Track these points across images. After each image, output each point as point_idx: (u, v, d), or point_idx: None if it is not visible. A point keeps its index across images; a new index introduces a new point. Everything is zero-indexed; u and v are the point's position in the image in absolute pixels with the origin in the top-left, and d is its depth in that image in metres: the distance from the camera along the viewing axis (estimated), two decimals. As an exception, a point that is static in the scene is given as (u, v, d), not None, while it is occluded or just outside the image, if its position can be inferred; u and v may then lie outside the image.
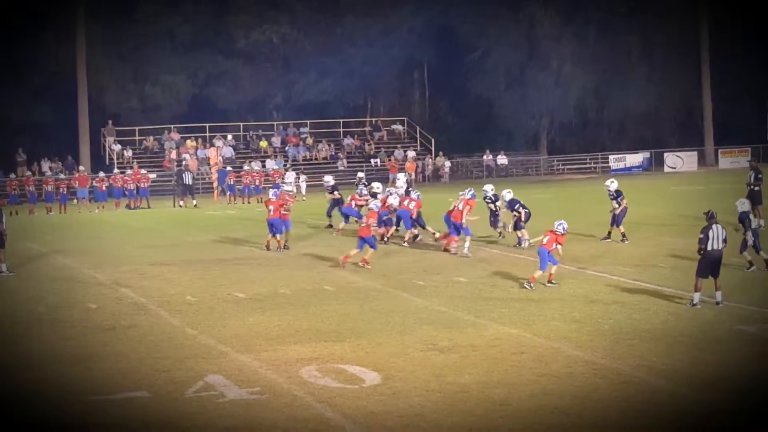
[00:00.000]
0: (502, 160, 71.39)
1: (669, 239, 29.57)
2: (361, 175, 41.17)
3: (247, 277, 25.46)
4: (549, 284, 22.60)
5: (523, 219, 28.95)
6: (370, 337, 17.81)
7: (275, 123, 72.20)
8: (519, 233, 29.11)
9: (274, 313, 20.38)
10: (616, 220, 29.55)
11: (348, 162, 68.84)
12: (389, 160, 67.81)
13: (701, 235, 19.66)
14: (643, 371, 15.11)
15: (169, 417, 13.28)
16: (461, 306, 20.66)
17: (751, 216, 24.78)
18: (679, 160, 71.21)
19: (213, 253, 30.61)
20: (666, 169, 70.96)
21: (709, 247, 19.55)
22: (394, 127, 74.25)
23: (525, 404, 13.46)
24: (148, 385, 14.86)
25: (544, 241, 22.96)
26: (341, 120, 72.95)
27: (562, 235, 23.07)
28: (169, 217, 47.11)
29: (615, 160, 71.90)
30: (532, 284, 22.44)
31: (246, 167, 59.04)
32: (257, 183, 56.06)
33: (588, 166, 73.14)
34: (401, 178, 35.34)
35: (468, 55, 75.83)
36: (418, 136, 72.42)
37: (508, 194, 29.57)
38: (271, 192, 31.85)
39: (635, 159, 71.85)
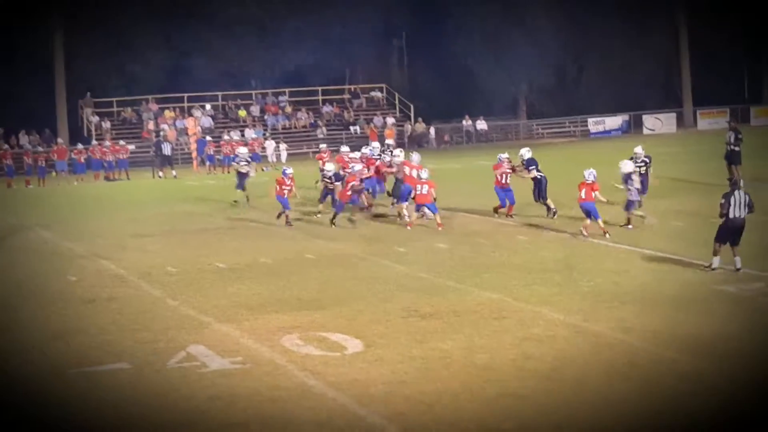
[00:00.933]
0: (482, 125, 71.36)
1: (647, 201, 29.56)
2: (389, 142, 40.78)
3: (228, 247, 25.42)
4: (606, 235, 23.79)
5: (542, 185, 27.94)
6: (351, 305, 17.81)
7: (254, 92, 71.93)
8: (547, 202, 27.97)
9: (255, 282, 20.36)
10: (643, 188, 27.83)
11: (327, 130, 68.69)
12: (368, 127, 67.68)
13: (722, 201, 19.25)
14: (624, 333, 15.17)
15: (151, 388, 13.27)
16: (443, 272, 20.67)
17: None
18: (658, 122, 71.31)
19: (193, 223, 30.54)
20: (645, 131, 71.04)
21: (730, 214, 19.06)
22: (373, 94, 74.09)
23: (507, 368, 13.50)
24: (130, 357, 14.84)
25: (582, 195, 23.88)
26: (320, 88, 72.71)
27: (594, 182, 24.22)
28: (149, 188, 46.96)
29: (594, 124, 71.94)
30: (586, 233, 23.99)
31: (225, 137, 58.84)
32: (236, 153, 55.83)
33: (567, 129, 73.19)
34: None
35: (446, 21, 75.59)
36: (397, 102, 72.30)
37: (527, 153, 28.57)
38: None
39: (614, 122, 71.90)
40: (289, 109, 70.32)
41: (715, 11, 73.90)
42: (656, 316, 16.13)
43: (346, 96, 73.83)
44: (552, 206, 27.48)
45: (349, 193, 27.81)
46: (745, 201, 19.11)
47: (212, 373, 13.88)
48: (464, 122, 71.47)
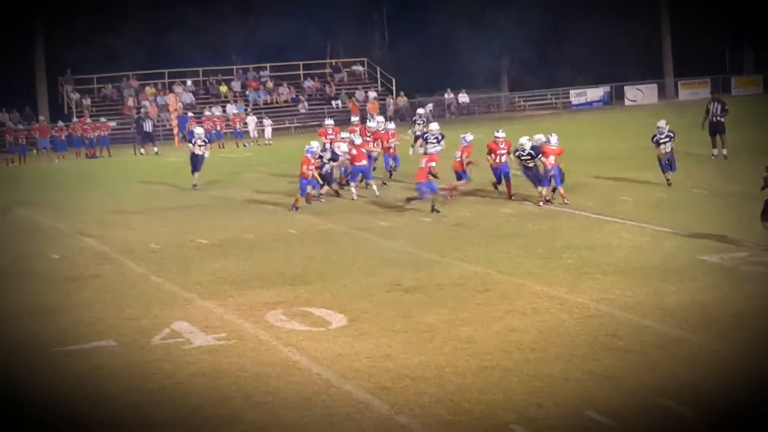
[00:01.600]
0: (464, 98, 71.30)
1: (630, 173, 29.69)
2: (420, 111, 40.12)
3: (211, 223, 25.39)
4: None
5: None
6: (335, 280, 17.82)
7: (235, 67, 71.66)
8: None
9: (239, 258, 20.35)
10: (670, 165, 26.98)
11: (309, 104, 68.55)
12: (350, 101, 67.56)
13: (765, 174, 18.72)
14: (607, 304, 15.22)
15: (135, 365, 13.26)
16: (426, 246, 20.69)
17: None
18: (640, 93, 71.39)
19: (175, 200, 30.49)
20: (626, 102, 71.13)
21: None
22: (354, 68, 73.91)
23: (491, 341, 13.53)
24: (114, 334, 14.82)
25: (551, 160, 24.34)
26: (301, 63, 72.46)
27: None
28: (130, 165, 46.83)
29: (576, 95, 71.98)
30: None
31: (207, 113, 58.63)
32: (218, 128, 55.72)
33: (549, 101, 73.21)
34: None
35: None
36: (378, 76, 72.14)
37: (528, 142, 25.75)
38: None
39: (596, 93, 71.94)
40: (270, 84, 70.10)
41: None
42: (639, 287, 16.17)
43: (328, 70, 73.64)
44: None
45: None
46: None
47: (196, 349, 13.88)
48: (446, 95, 71.38)
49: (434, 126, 30.70)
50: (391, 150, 31.42)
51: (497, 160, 26.76)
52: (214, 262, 20.08)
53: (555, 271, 17.65)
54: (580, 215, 23.57)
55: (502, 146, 26.78)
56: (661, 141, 26.66)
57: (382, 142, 31.11)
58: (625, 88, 72.10)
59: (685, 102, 67.75)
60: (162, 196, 31.79)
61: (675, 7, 73.61)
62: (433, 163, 25.62)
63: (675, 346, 13.03)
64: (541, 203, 24.92)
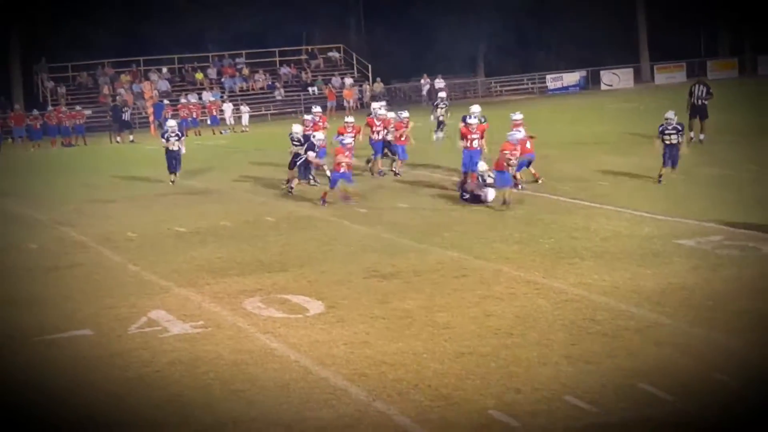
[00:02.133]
0: (440, 83, 71.25)
1: (607, 157, 29.79)
2: (442, 95, 39.40)
3: (188, 211, 25.34)
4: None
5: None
6: (313, 267, 17.83)
7: (210, 54, 71.40)
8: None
9: (216, 246, 20.33)
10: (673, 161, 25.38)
11: (285, 91, 68.42)
12: (326, 87, 67.47)
13: None
14: (584, 289, 15.28)
15: (113, 354, 13.24)
16: (403, 232, 20.71)
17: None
18: (616, 78, 71.53)
19: (152, 188, 30.39)
20: (602, 87, 71.26)
21: None
22: (330, 54, 73.79)
23: (468, 327, 13.57)
24: (92, 324, 14.79)
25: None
26: (277, 49, 72.28)
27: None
28: (106, 153, 46.66)
29: (552, 80, 72.06)
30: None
31: (183, 100, 58.40)
32: (194, 116, 55.54)
33: (526, 86, 73.27)
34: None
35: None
36: (354, 63, 72.05)
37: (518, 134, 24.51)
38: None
39: (572, 78, 72.04)
40: (246, 71, 69.90)
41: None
42: (616, 271, 16.25)
43: (304, 57, 73.48)
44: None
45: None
46: None
47: (173, 337, 13.88)
48: (422, 81, 71.31)
49: (476, 108, 27.85)
50: (403, 139, 29.99)
51: (469, 145, 26.16)
52: (192, 250, 20.05)
53: (532, 256, 17.70)
54: (557, 200, 23.63)
55: (474, 131, 26.41)
56: (667, 132, 25.18)
57: (394, 131, 29.86)
58: (601, 72, 72.23)
59: (661, 86, 67.91)
60: (138, 184, 31.68)
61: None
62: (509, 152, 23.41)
63: (652, 329, 13.10)
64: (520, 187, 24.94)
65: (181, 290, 16.63)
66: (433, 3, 74.22)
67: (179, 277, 17.63)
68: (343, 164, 24.72)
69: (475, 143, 26.14)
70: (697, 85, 33.15)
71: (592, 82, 71.87)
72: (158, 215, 24.88)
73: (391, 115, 30.77)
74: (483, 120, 27.07)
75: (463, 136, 26.32)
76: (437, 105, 37.15)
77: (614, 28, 76.92)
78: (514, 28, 75.18)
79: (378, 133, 29.62)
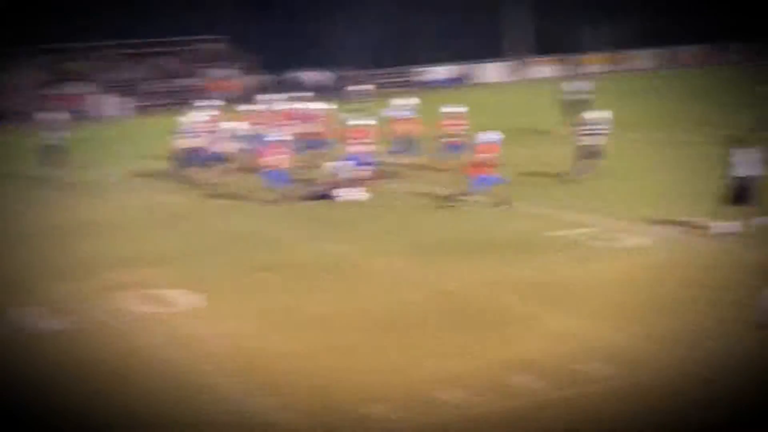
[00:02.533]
0: (319, 77, 71.03)
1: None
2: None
3: (63, 204, 24.93)
4: None
5: None
6: (190, 261, 17.76)
7: (89, 45, 70.01)
8: None
9: (93, 240, 20.08)
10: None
11: (163, 83, 67.63)
12: (207, 79, 66.93)
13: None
14: (462, 282, 15.58)
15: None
16: (282, 225, 20.76)
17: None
18: (493, 72, 72.16)
19: (27, 183, 29.76)
20: (479, 80, 71.95)
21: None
22: (210, 45, 73.14)
23: (345, 320, 13.71)
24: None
25: None
26: (156, 40, 71.25)
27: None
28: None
29: (429, 73, 72.45)
30: None
31: (59, 92, 57.21)
32: (74, 107, 54.39)
33: (404, 79, 73.48)
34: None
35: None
36: (235, 54, 71.48)
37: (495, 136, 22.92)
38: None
39: (450, 71, 72.54)
40: (125, 63, 68.84)
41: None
42: (490, 263, 16.55)
43: (183, 48, 72.64)
44: None
45: None
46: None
47: (43, 335, 13.70)
48: (300, 74, 70.93)
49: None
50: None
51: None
52: (66, 244, 19.77)
53: (411, 250, 17.90)
54: (434, 195, 23.77)
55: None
56: (588, 132, 24.87)
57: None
58: (480, 66, 72.85)
59: (539, 80, 68.80)
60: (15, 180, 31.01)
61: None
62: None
63: (528, 321, 13.39)
64: None
65: (53, 285, 16.40)
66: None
67: (52, 272, 17.37)
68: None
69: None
70: (576, 81, 33.34)
71: (470, 76, 72.41)
72: (31, 209, 24.41)
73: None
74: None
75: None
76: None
77: (492, 22, 77.63)
78: (394, 19, 75.32)
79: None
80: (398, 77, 73.19)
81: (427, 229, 19.88)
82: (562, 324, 13.21)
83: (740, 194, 18.05)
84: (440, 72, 72.40)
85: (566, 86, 33.21)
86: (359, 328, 13.37)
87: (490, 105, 35.67)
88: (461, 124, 26.53)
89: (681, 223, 18.79)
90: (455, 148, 25.80)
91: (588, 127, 25.06)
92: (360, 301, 14.66)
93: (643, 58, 73.48)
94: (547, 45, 73.80)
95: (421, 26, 77.64)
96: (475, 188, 21.78)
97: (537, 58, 73.62)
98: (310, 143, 27.60)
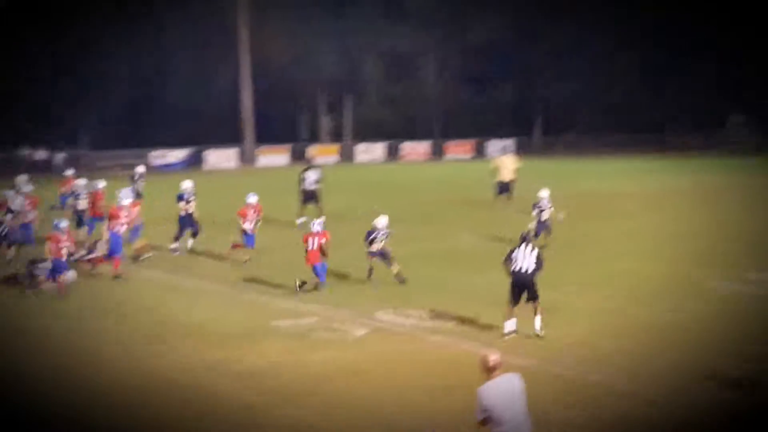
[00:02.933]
0: (43, 155, 69.09)
1: (210, 235, 29.73)
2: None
3: None
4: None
5: None
6: None
7: None
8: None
9: None
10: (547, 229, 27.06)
11: None
12: None
13: (507, 256, 18.09)
14: (181, 370, 15.50)
15: None
16: None
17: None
18: (221, 157, 72.31)
19: None
20: (207, 166, 71.92)
21: (516, 268, 17.73)
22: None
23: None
24: None
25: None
26: None
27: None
28: None
29: (158, 156, 71.90)
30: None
31: None
32: None
33: (132, 161, 72.57)
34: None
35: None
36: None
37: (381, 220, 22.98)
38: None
39: (178, 155, 72.17)
40: None
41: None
42: (215, 351, 16.47)
43: None
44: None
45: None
46: (532, 255, 17.84)
47: None
48: (25, 152, 68.80)
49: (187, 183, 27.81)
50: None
51: (117, 230, 24.21)
52: None
53: (131, 335, 17.61)
54: (157, 279, 23.50)
55: (125, 214, 24.83)
56: (541, 208, 27.15)
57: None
58: (207, 151, 72.86)
59: (265, 167, 69.37)
60: None
61: (254, 72, 75.03)
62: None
63: (246, 411, 13.36)
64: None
65: None
66: (40, 69, 71.90)
67: None
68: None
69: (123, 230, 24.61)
70: (308, 171, 33.51)
71: (198, 161, 72.27)
72: None
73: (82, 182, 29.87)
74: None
75: (112, 217, 24.29)
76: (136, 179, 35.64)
77: (221, 109, 78.03)
78: (125, 103, 74.57)
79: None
80: (127, 159, 72.17)
81: (140, 309, 19.63)
82: (279, 414, 13.23)
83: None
84: (174, 155, 71.95)
85: (302, 177, 33.09)
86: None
87: (213, 189, 35.62)
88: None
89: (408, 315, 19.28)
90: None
91: (545, 204, 27.29)
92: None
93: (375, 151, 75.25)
94: (278, 134, 74.70)
95: (156, 109, 77.21)
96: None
97: (268, 146, 74.21)
98: None
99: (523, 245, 17.84)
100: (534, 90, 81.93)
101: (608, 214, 34.48)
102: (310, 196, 32.60)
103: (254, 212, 25.92)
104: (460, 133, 77.99)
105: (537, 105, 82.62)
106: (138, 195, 32.59)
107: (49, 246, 21.89)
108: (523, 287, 17.58)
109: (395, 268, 22.20)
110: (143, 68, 74.09)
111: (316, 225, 22.12)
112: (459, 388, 14.19)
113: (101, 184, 29.58)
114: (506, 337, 17.34)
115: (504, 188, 35.84)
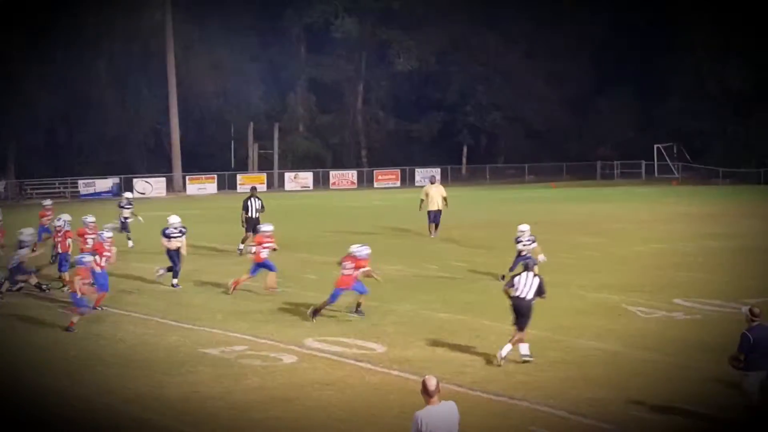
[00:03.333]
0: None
1: (136, 263, 29.61)
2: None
3: None
4: None
5: None
6: None
7: None
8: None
9: None
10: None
11: None
12: None
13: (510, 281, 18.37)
14: (107, 396, 15.32)
15: None
16: None
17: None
18: (149, 186, 71.92)
19: None
20: (135, 194, 71.34)
21: (518, 294, 17.85)
22: None
23: None
24: None
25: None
26: None
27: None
28: None
29: (84, 185, 71.31)
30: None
31: None
32: None
33: (58, 190, 71.94)
34: None
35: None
36: None
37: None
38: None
39: (105, 184, 71.64)
40: None
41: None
42: (140, 380, 16.37)
43: None
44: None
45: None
46: (534, 282, 17.95)
47: None
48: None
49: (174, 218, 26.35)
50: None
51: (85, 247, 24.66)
52: None
53: (57, 362, 17.48)
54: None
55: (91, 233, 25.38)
56: (522, 241, 25.36)
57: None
58: (134, 180, 72.42)
59: (193, 196, 69.17)
60: None
61: (182, 100, 74.79)
62: None
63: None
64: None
65: None
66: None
67: None
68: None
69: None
70: (251, 199, 33.29)
71: (125, 189, 71.77)
72: None
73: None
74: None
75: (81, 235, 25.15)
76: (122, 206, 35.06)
77: (148, 136, 77.70)
78: (46, 129, 73.90)
79: None
80: (54, 188, 71.58)
81: (67, 338, 19.45)
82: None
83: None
84: (103, 184, 71.44)
85: (246, 205, 32.81)
86: None
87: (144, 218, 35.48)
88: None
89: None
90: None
91: (527, 238, 25.55)
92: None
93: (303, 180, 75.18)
94: (206, 162, 74.44)
95: (77, 136, 76.60)
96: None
97: (195, 175, 73.83)
98: None
99: (525, 273, 18.08)
100: (461, 118, 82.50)
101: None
102: (255, 223, 32.22)
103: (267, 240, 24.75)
104: (388, 162, 78.36)
105: (464, 133, 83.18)
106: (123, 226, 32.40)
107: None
108: (519, 313, 17.78)
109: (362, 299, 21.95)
110: (68, 97, 73.42)
111: (362, 251, 21.67)
112: (387, 412, 14.31)
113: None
114: (524, 360, 17.52)
115: (433, 217, 36.03)
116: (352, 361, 17.84)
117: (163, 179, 73.47)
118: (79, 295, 20.63)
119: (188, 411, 14.62)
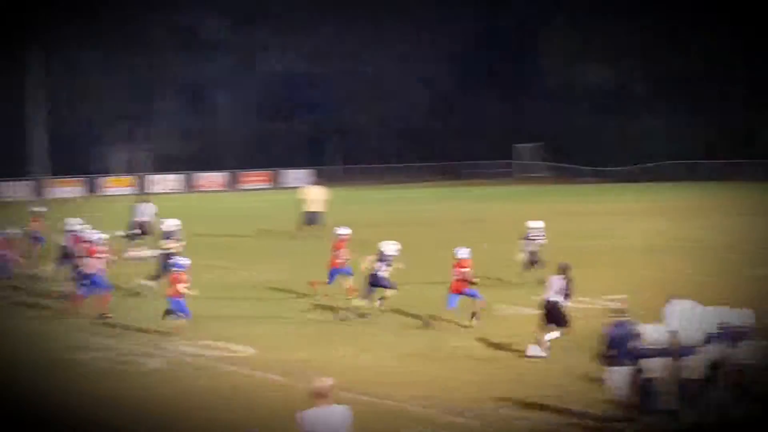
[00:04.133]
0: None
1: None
2: None
3: None
4: None
5: None
6: None
7: None
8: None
9: None
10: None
11: None
12: None
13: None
14: None
15: None
16: None
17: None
18: (11, 190, 70.26)
19: None
20: (-1, 198, 69.81)
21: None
22: None
23: None
24: None
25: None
26: None
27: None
28: None
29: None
30: None
31: None
32: None
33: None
34: None
35: None
36: None
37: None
38: None
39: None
40: None
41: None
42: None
43: None
44: None
45: None
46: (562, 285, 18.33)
47: None
48: None
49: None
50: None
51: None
52: None
53: None
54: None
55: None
56: (532, 237, 25.84)
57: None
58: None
59: (60, 199, 67.75)
60: None
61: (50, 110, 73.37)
62: None
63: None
64: None
65: None
66: None
67: None
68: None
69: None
70: (141, 203, 32.55)
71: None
72: None
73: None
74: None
75: None
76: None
77: (12, 140, 75.97)
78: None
79: None
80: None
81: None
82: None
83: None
84: None
85: (141, 206, 32.11)
86: None
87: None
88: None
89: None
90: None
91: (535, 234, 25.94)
92: None
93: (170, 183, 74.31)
94: (72, 165, 73.02)
95: None
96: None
97: (61, 178, 72.56)
98: None
99: (557, 275, 18.40)
100: (329, 119, 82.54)
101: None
102: (145, 229, 31.53)
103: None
104: (256, 163, 77.82)
105: (333, 134, 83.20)
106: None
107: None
108: (549, 315, 18.11)
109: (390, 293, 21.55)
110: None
111: (462, 253, 21.00)
112: (258, 414, 14.25)
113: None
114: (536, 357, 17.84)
115: (311, 219, 35.63)
116: (221, 365, 17.72)
117: (30, 183, 72.02)
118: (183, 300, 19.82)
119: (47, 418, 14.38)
